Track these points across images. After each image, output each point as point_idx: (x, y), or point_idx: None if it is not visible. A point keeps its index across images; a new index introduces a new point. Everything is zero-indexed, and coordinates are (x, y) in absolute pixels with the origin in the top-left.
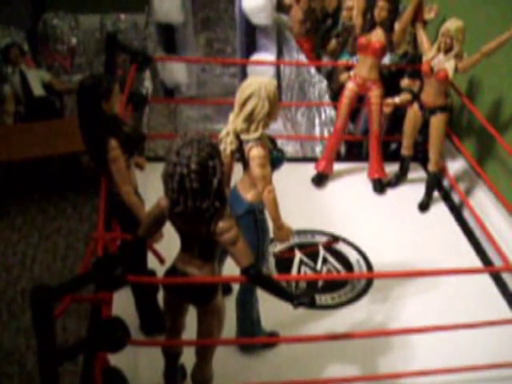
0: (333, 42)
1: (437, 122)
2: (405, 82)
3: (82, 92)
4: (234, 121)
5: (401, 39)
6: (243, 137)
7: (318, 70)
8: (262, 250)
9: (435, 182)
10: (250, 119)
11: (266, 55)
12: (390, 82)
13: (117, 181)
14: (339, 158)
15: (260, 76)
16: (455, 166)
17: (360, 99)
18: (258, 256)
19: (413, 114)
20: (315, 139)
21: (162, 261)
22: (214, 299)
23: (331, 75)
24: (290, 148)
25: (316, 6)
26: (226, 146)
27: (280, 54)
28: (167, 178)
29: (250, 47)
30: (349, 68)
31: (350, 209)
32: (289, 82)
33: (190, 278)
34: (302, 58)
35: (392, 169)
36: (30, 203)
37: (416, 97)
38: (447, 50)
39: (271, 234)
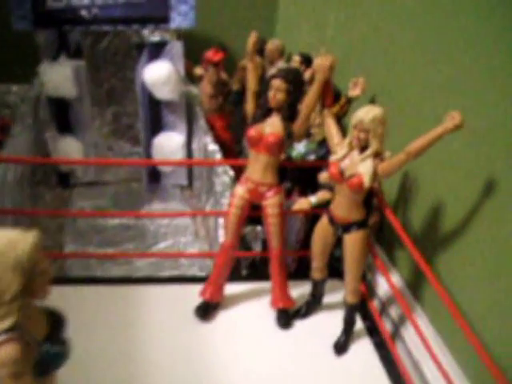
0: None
1: (352, 242)
2: (324, 177)
3: None
4: None
5: (303, 130)
6: None
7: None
8: None
9: (354, 317)
10: None
11: (173, 134)
12: (304, 176)
13: None
14: (235, 276)
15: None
16: (385, 288)
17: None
18: None
19: (321, 229)
20: (202, 256)
21: None
22: None
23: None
24: (194, 250)
25: (234, 78)
26: None
27: (191, 132)
28: None
29: (156, 125)
30: None
31: (245, 350)
32: (199, 167)
33: None
34: (208, 140)
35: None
36: None
37: (326, 208)
38: (362, 148)
39: None
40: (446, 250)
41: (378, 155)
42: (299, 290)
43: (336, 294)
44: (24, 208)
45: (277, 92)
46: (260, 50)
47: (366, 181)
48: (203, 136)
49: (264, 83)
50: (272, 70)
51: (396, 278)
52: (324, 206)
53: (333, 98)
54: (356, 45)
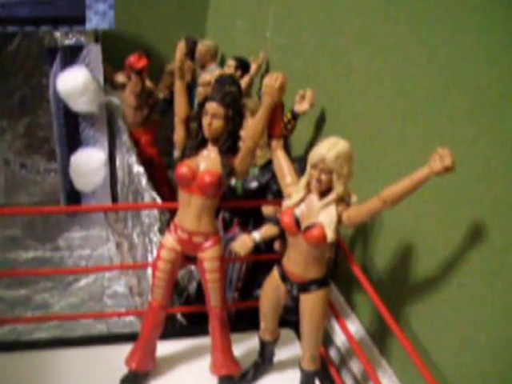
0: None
1: (311, 303)
2: (268, 208)
3: None
4: None
5: (246, 165)
6: None
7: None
8: None
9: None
10: None
11: (93, 151)
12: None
13: None
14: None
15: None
16: (343, 337)
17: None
18: None
19: (271, 288)
20: (131, 315)
21: None
22: None
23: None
24: (120, 287)
25: (152, 88)
26: None
27: (114, 148)
28: None
29: (73, 140)
30: None
31: None
32: (122, 188)
33: None
34: (132, 159)
35: (250, 343)
36: None
37: (277, 261)
38: (324, 192)
39: None
40: (412, 297)
41: (341, 200)
42: (243, 346)
43: (288, 349)
44: None
45: (213, 119)
46: (190, 51)
47: (329, 233)
48: (126, 154)
49: (197, 107)
50: (205, 88)
51: (356, 326)
52: (269, 243)
53: (282, 125)
54: (301, 48)
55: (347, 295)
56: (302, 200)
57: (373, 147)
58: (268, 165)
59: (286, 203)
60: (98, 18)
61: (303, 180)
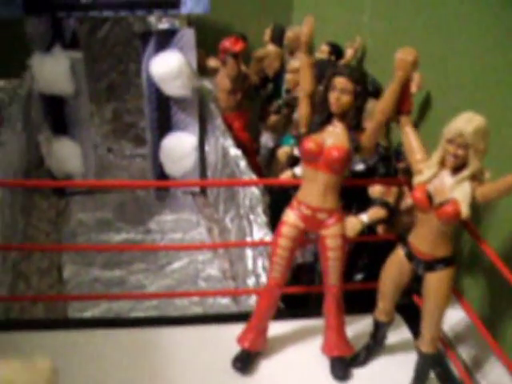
0: (273, 117)
1: (437, 282)
2: (375, 190)
3: None
4: None
5: (374, 141)
6: None
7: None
8: None
9: (428, 370)
10: None
11: (183, 135)
12: (350, 189)
13: None
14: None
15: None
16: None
17: None
18: None
19: (396, 265)
20: (239, 294)
21: None
22: None
23: (273, 155)
24: (213, 271)
25: (250, 71)
26: None
27: (204, 133)
28: None
29: (164, 124)
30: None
31: None
32: (214, 172)
33: None
34: (228, 142)
35: (359, 326)
36: None
37: (402, 238)
38: (458, 168)
39: None
40: None
41: (475, 176)
42: (353, 328)
43: (397, 333)
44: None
45: (341, 94)
46: (278, 38)
47: (464, 209)
48: (221, 137)
49: (321, 81)
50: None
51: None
52: (374, 226)
53: (411, 101)
54: (402, 32)
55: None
56: (433, 176)
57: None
58: (375, 147)
59: (418, 179)
60: (192, 3)
61: (436, 155)
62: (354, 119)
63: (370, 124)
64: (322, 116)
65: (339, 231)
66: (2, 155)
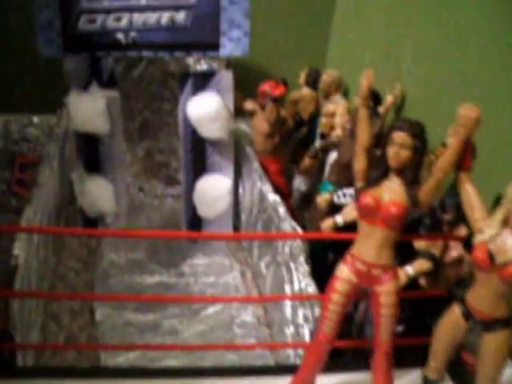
0: (308, 161)
1: (496, 343)
2: (420, 243)
3: None
4: None
5: (432, 198)
6: None
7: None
8: None
9: None
10: None
11: (218, 177)
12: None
13: None
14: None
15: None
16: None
17: None
18: None
19: (451, 324)
20: (284, 347)
21: None
22: None
23: (308, 199)
24: (248, 317)
25: (287, 115)
26: None
27: (239, 176)
28: None
29: (198, 165)
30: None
31: None
32: (249, 217)
33: None
34: (266, 187)
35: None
36: None
37: (458, 296)
38: None
39: None
40: None
41: None
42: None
43: None
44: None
45: (400, 149)
46: (313, 81)
47: None
48: (258, 181)
49: (380, 134)
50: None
51: None
52: (416, 277)
53: (472, 158)
54: (446, 81)
55: None
56: (496, 235)
57: None
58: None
59: (479, 238)
60: (231, 45)
61: (499, 214)
62: (411, 175)
63: (429, 181)
64: (379, 170)
65: (393, 288)
66: (40, 195)
